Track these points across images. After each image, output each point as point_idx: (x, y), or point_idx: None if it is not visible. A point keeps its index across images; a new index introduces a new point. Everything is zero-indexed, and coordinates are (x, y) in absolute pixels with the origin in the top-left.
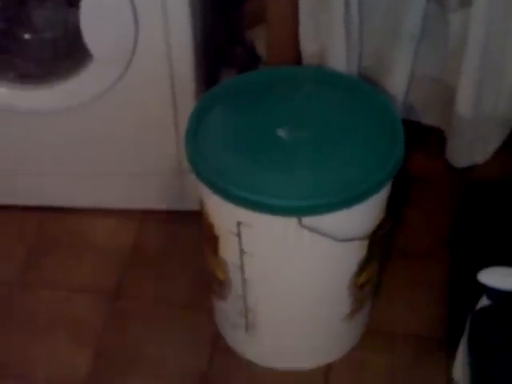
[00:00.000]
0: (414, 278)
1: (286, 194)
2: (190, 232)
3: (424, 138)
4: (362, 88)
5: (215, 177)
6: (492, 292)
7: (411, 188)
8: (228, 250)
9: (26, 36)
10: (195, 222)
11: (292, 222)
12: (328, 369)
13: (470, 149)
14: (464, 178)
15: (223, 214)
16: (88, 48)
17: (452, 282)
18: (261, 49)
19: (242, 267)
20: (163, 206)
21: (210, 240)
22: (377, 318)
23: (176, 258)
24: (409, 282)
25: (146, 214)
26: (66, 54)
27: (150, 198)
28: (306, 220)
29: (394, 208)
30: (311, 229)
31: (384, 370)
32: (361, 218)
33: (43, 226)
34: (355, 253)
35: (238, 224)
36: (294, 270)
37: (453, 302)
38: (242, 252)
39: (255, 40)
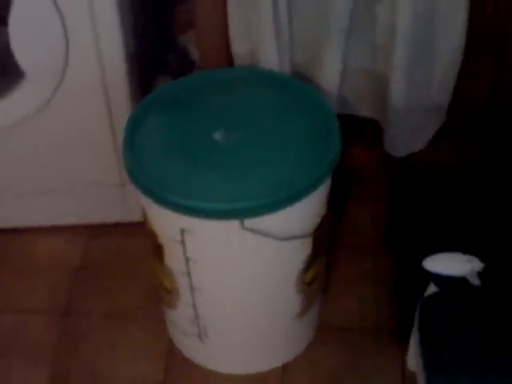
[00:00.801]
0: (362, 270)
1: (226, 198)
2: (137, 243)
3: (361, 131)
4: (295, 86)
5: (154, 186)
6: (438, 279)
7: (352, 181)
8: (173, 258)
9: None
10: (142, 233)
11: (234, 225)
12: (284, 369)
13: (406, 138)
14: (403, 168)
15: (165, 222)
16: (19, 65)
17: (399, 273)
18: (195, 54)
19: (188, 274)
20: (109, 220)
21: (156, 249)
22: (328, 313)
23: (125, 270)
24: (356, 275)
25: (93, 229)
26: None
27: (94, 212)
28: (248, 222)
29: (336, 202)
30: (254, 230)
31: (339, 366)
32: (302, 215)
33: None
34: (300, 251)
35: (182, 231)
36: (240, 273)
37: (401, 292)
38: (187, 259)
39: (188, 45)
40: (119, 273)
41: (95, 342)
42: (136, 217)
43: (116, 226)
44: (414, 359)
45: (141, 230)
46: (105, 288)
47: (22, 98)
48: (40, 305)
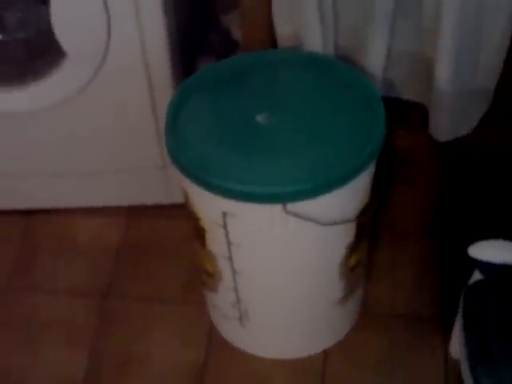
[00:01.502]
0: (404, 256)
1: (269, 182)
2: (178, 226)
3: (406, 114)
4: (340, 68)
5: (196, 168)
6: (484, 266)
7: (397, 165)
8: (215, 241)
9: None
10: (183, 216)
11: (277, 209)
12: (325, 355)
13: (452, 122)
14: (448, 152)
15: (207, 205)
16: (61, 45)
17: (444, 259)
18: (237, 34)
19: (230, 258)
20: (149, 201)
21: (197, 232)
22: (370, 299)
23: (165, 253)
24: (400, 261)
25: (133, 211)
26: (40, 53)
27: (135, 193)
28: (291, 206)
29: (380, 187)
30: (296, 215)
31: (381, 352)
32: (345, 200)
33: (29, 229)
34: (343, 236)
35: (224, 215)
36: (282, 257)
37: (446, 278)
38: (229, 243)
39: (231, 25)
40: (160, 255)
41: (134, 325)
42: (177, 199)
43: (157, 208)
44: (457, 347)
45: (182, 212)
46: (145, 270)
47: (63, 79)
48: (79, 286)
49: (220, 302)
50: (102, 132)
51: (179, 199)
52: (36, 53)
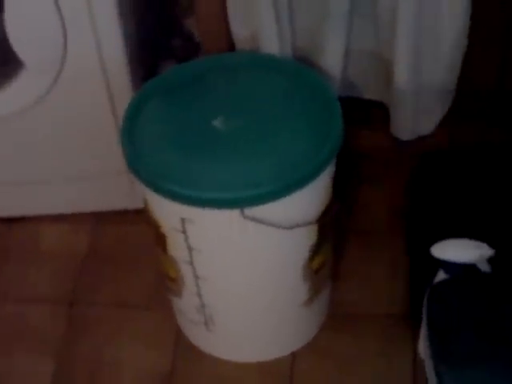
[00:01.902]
0: (372, 255)
1: (225, 187)
2: (144, 231)
3: (368, 114)
4: (296, 70)
5: (152, 175)
6: (447, 265)
7: (360, 165)
8: (176, 247)
9: None
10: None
11: (235, 214)
12: (293, 357)
13: (413, 121)
14: (411, 151)
15: (166, 212)
16: (18, 55)
17: (410, 257)
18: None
19: (191, 263)
20: (114, 207)
21: (158, 239)
22: (338, 300)
23: (132, 258)
24: (367, 260)
25: (98, 217)
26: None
27: (100, 199)
28: (249, 211)
29: (344, 187)
30: (255, 219)
31: (350, 353)
32: (305, 203)
33: None
34: (305, 239)
35: (182, 221)
36: (243, 262)
37: (413, 276)
38: (190, 248)
39: (194, 29)
40: (127, 260)
41: (102, 331)
42: (142, 204)
43: (123, 213)
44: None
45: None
46: (112, 276)
47: (21, 88)
48: (46, 294)
49: (185, 307)
50: (63, 139)
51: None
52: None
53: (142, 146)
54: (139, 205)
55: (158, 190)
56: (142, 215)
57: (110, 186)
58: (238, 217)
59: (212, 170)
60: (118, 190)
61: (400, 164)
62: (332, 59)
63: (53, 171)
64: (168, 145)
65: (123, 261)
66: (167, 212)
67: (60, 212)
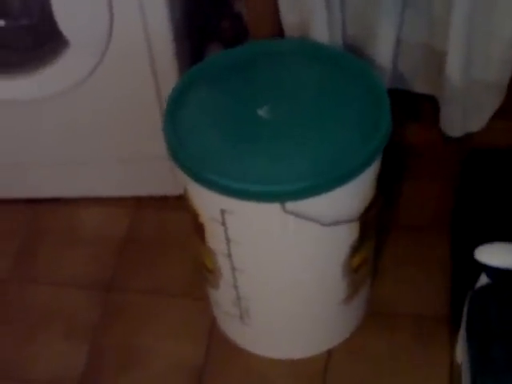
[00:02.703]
0: (414, 254)
1: (267, 180)
2: (184, 218)
3: (417, 108)
4: (346, 59)
5: (194, 163)
6: (490, 270)
7: (406, 160)
8: (214, 238)
9: (1, 23)
10: None
11: (275, 207)
12: (328, 355)
13: (463, 117)
14: (460, 148)
15: (206, 201)
16: (63, 34)
17: (454, 258)
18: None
19: (230, 256)
20: (156, 192)
21: (197, 228)
22: (377, 297)
23: (171, 245)
24: (409, 258)
25: (139, 201)
26: (44, 40)
27: (142, 184)
28: (290, 205)
29: (390, 181)
30: (296, 214)
31: (386, 353)
32: (348, 199)
33: (35, 218)
34: (346, 235)
35: (222, 212)
36: (281, 256)
37: (455, 278)
38: (228, 240)
39: (243, 10)
40: (165, 248)
41: (136, 318)
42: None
43: (164, 199)
44: (462, 351)
45: None
46: (150, 262)
47: (67, 67)
48: (82, 278)
49: (221, 298)
50: (106, 121)
51: None
52: (40, 40)
53: (185, 132)
54: (180, 191)
55: (198, 178)
56: (182, 202)
57: (151, 170)
58: (279, 210)
59: (254, 161)
60: (159, 176)
61: (448, 160)
62: (383, 49)
63: (94, 153)
64: (211, 132)
65: (162, 247)
66: (207, 202)
67: (100, 195)
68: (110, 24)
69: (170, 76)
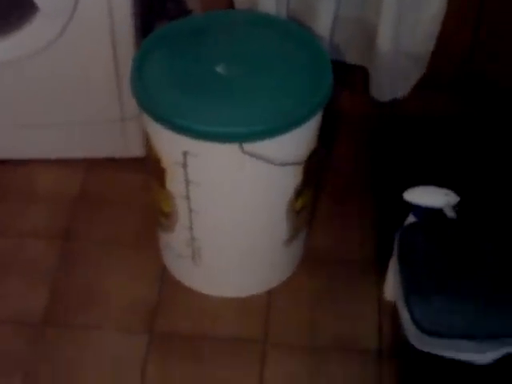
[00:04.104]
0: (343, 208)
1: (227, 123)
2: (134, 177)
3: (350, 77)
4: (292, 28)
5: (160, 109)
6: (417, 209)
7: (339, 124)
8: (174, 181)
9: None
10: (138, 168)
11: (234, 148)
12: (269, 294)
13: (391, 83)
14: (386, 113)
15: (170, 145)
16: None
17: (379, 210)
18: (191, 3)
19: (188, 197)
20: (108, 155)
21: (157, 174)
22: (312, 245)
23: (121, 201)
24: (338, 211)
25: (92, 162)
26: (13, 7)
27: (94, 146)
28: (247, 146)
29: (324, 143)
30: (252, 154)
31: (321, 293)
32: (296, 143)
33: None
34: (292, 178)
35: (184, 154)
36: (236, 196)
37: (380, 227)
38: (187, 182)
39: None
40: (116, 203)
41: (92, 265)
42: (134, 153)
43: (114, 160)
44: (390, 289)
45: (138, 165)
46: (102, 216)
47: (34, 32)
48: (40, 229)
49: (174, 241)
50: (66, 85)
51: (136, 153)
52: (9, 6)
53: (150, 84)
54: (131, 154)
55: (165, 122)
56: (132, 163)
57: (104, 133)
58: (237, 151)
59: (215, 108)
60: (112, 139)
61: (376, 125)
62: (323, 23)
63: (52, 116)
64: (175, 85)
65: (112, 204)
66: (171, 146)
67: (56, 157)
68: None
69: (127, 45)
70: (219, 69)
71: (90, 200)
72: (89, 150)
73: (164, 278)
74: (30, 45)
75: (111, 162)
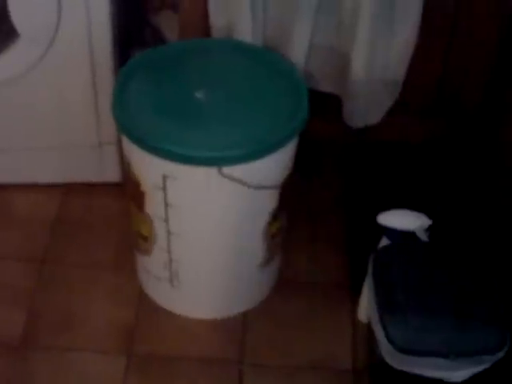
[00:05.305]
0: (316, 232)
1: (207, 146)
2: (110, 202)
3: (322, 105)
4: (268, 56)
5: (141, 133)
6: (390, 232)
7: (313, 150)
8: (154, 204)
9: None
10: (115, 194)
11: (213, 171)
12: (245, 317)
13: (364, 111)
14: (359, 140)
15: (150, 169)
16: (14, 25)
17: (350, 234)
18: (167, 33)
19: (167, 220)
20: (84, 180)
21: (136, 197)
22: (285, 269)
23: (98, 226)
24: (311, 236)
25: (69, 187)
26: None
27: (71, 171)
28: (226, 169)
29: (298, 169)
30: (230, 177)
31: (296, 315)
32: (273, 168)
33: None
34: (268, 202)
35: (164, 178)
36: (214, 218)
37: (353, 250)
38: (166, 205)
39: (161, 25)
40: (93, 228)
41: (70, 288)
42: (111, 178)
43: (91, 185)
44: (364, 310)
45: (114, 190)
46: (79, 240)
47: (13, 57)
48: (17, 252)
49: (152, 264)
50: (44, 110)
51: (113, 178)
52: None
53: (131, 110)
54: (107, 179)
55: (145, 146)
56: (110, 188)
57: (81, 158)
58: (216, 174)
59: (195, 133)
60: (89, 164)
61: (348, 152)
62: (297, 50)
63: (29, 140)
64: (155, 110)
65: (89, 227)
66: (150, 169)
67: (33, 181)
68: (57, 17)
69: (106, 72)
70: (198, 94)
71: (68, 224)
72: (66, 175)
73: (141, 300)
74: (9, 70)
75: (88, 187)
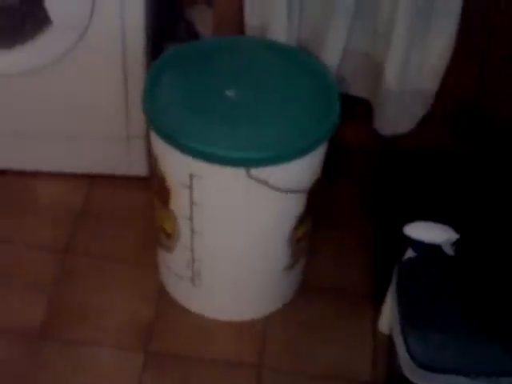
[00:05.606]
0: (342, 239)
1: (235, 146)
2: (136, 196)
3: (353, 110)
4: (302, 56)
5: (171, 130)
6: (416, 244)
7: (341, 155)
8: (179, 201)
9: None
10: (141, 187)
11: (241, 172)
12: (266, 320)
13: (395, 119)
14: (389, 148)
15: (176, 166)
16: (48, 13)
17: (376, 243)
18: (200, 27)
19: (191, 218)
20: (111, 172)
21: (161, 193)
22: (309, 274)
23: (123, 219)
24: (337, 242)
25: (95, 179)
26: (24, 20)
27: (98, 163)
28: (254, 171)
29: (326, 173)
30: (258, 179)
31: (317, 321)
32: (301, 171)
33: None
34: (295, 206)
35: (191, 176)
36: (239, 220)
37: (378, 260)
38: (192, 203)
39: (194, 19)
40: (117, 221)
41: (91, 280)
42: (137, 171)
43: (118, 178)
44: (386, 321)
45: (140, 183)
46: (103, 233)
47: (46, 44)
48: (41, 241)
49: (175, 261)
50: (74, 99)
51: (139, 172)
52: (23, 19)
53: (161, 105)
54: (134, 172)
55: (173, 143)
56: (136, 182)
57: (109, 150)
58: (244, 176)
59: (224, 132)
60: (117, 156)
61: (377, 158)
62: (331, 54)
63: (56, 129)
64: (185, 106)
65: (115, 220)
66: (177, 167)
67: (60, 170)
68: (91, 8)
69: (138, 64)
70: (229, 92)
71: (92, 215)
72: (93, 166)
73: (162, 296)
74: (41, 57)
75: (114, 180)
